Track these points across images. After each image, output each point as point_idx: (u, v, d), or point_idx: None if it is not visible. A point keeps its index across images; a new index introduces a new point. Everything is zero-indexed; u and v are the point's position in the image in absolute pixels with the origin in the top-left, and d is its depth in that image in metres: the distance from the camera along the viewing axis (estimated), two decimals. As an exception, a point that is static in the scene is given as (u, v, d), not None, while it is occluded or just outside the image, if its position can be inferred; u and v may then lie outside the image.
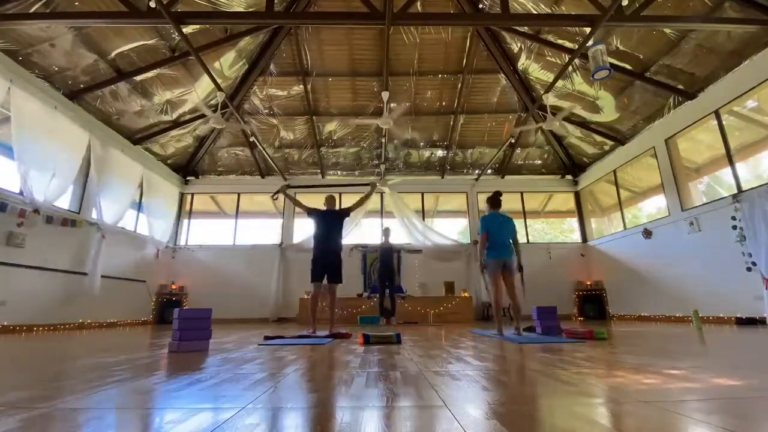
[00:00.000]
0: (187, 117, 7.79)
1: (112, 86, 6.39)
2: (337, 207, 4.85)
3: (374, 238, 9.60)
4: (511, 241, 4.18)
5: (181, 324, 2.73)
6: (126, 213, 7.35)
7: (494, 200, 4.35)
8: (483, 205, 8.50)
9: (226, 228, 9.69)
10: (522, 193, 9.91)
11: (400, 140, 9.17)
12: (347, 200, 9.63)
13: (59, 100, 5.89)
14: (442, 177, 9.95)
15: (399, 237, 9.47)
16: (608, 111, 7.48)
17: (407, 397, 1.32)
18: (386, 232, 7.47)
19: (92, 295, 6.26)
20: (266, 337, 3.76)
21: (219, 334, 4.49)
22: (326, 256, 4.47)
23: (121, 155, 7.22)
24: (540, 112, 8.02)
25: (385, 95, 6.41)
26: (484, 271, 4.28)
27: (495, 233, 4.15)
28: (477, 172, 9.86)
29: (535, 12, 6.31)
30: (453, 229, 11.77)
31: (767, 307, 4.81)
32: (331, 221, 4.61)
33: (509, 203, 10.27)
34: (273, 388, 1.48)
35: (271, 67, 7.71)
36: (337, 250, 4.57)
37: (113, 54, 5.97)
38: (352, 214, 4.83)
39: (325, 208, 4.75)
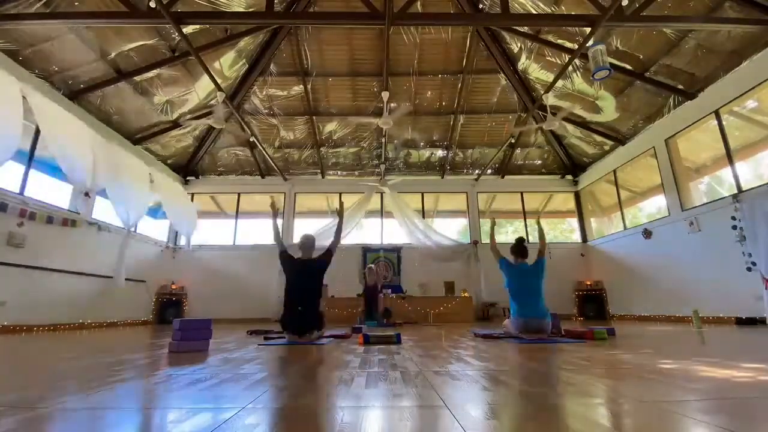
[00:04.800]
0: (187, 117, 7.79)
1: (112, 86, 6.38)
2: (314, 253, 3.78)
3: (374, 238, 9.65)
4: (542, 286, 3.50)
5: (181, 325, 2.74)
6: (123, 213, 7.30)
7: (518, 248, 3.63)
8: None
9: (227, 228, 9.70)
10: (522, 193, 9.91)
11: (400, 140, 9.17)
12: (347, 201, 9.73)
13: (59, 100, 5.88)
14: (442, 177, 9.95)
15: (399, 237, 9.51)
16: (608, 111, 7.47)
17: (407, 397, 1.32)
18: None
19: (119, 286, 6.26)
20: (266, 338, 3.76)
21: (219, 334, 4.48)
22: (299, 310, 3.43)
23: (122, 153, 7.19)
24: (540, 112, 8.02)
25: (385, 95, 6.41)
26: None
27: (516, 282, 3.52)
28: (477, 172, 9.86)
29: (535, 12, 6.30)
30: (453, 229, 11.76)
31: (767, 307, 4.81)
32: (306, 274, 3.56)
33: (509, 203, 10.32)
34: (273, 388, 1.48)
35: (271, 67, 7.71)
36: (313, 304, 3.52)
37: (113, 54, 5.97)
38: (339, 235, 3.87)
39: (300, 254, 3.75)
